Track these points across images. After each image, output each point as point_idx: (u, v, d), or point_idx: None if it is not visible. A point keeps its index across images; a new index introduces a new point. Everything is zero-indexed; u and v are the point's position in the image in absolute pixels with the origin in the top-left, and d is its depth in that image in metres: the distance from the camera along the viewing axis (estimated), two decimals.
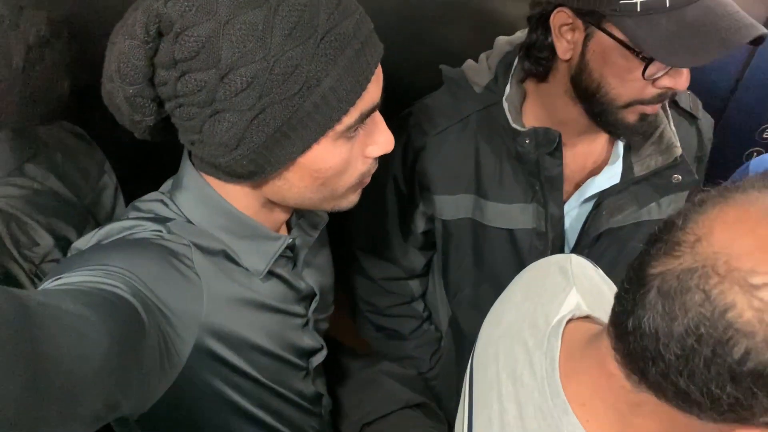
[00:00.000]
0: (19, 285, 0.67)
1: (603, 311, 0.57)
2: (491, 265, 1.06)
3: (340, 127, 0.62)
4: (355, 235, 1.19)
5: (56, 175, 0.81)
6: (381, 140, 0.67)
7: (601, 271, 0.73)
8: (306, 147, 0.62)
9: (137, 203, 0.71)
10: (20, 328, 0.34)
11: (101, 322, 0.44)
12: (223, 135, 0.59)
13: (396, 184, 1.09)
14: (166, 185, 0.73)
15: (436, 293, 1.21)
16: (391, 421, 0.95)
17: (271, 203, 0.70)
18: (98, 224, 0.85)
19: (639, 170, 0.98)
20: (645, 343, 0.47)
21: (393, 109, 1.06)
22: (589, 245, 1.03)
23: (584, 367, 0.56)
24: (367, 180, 0.71)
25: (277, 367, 0.75)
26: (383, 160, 0.71)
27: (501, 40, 1.03)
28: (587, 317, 0.63)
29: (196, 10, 0.55)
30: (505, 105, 0.96)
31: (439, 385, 1.22)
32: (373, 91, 0.64)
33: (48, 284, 0.53)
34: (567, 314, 0.62)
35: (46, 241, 0.73)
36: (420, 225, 1.11)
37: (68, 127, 0.91)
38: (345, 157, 0.65)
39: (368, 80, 0.62)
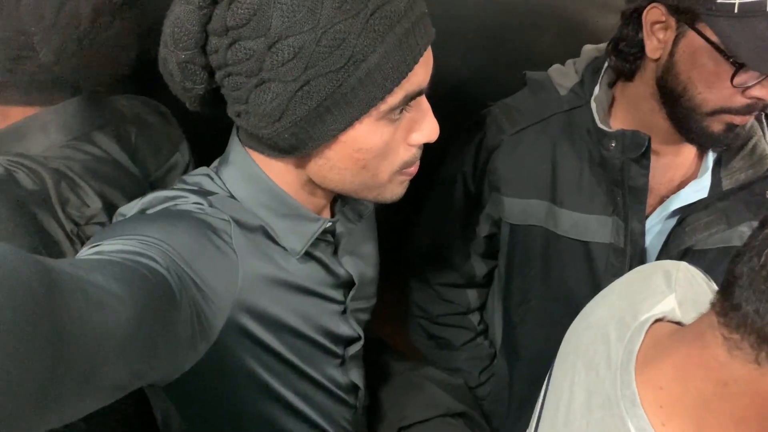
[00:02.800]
0: (53, 241, 0.68)
1: None
2: (561, 280, 1.00)
3: (383, 107, 0.61)
4: (416, 236, 1.17)
5: (123, 147, 0.83)
6: (426, 128, 0.66)
7: (714, 285, 0.68)
8: (348, 124, 0.61)
9: (185, 177, 0.73)
10: (43, 298, 0.34)
11: (130, 295, 0.44)
12: (267, 105, 0.60)
13: (464, 182, 1.06)
14: (216, 162, 0.74)
15: (494, 308, 1.15)
16: (430, 427, 0.91)
17: (312, 184, 0.70)
18: None
19: (727, 184, 0.90)
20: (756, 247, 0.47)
21: (471, 111, 1.06)
22: None
23: (672, 349, 0.55)
24: (413, 170, 0.70)
25: (310, 350, 0.74)
26: (443, 155, 0.68)
27: (588, 47, 1.01)
28: (678, 323, 0.61)
29: None
30: (593, 105, 0.93)
31: (488, 405, 1.16)
32: (421, 74, 0.63)
33: (86, 250, 0.54)
34: (658, 314, 0.60)
35: (95, 204, 0.74)
36: (484, 228, 1.07)
37: (152, 104, 0.94)
38: (386, 139, 0.64)
39: (416, 61, 0.61)
